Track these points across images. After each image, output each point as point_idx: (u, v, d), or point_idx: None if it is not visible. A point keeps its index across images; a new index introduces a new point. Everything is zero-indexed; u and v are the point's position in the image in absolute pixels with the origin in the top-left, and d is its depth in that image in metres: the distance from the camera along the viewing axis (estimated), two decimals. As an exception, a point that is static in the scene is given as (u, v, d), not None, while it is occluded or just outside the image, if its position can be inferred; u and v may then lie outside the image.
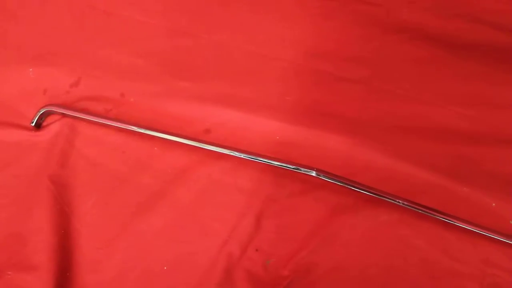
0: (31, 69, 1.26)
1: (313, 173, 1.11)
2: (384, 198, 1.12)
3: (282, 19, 1.13)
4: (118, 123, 1.18)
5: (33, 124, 1.20)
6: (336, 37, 1.14)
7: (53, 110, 1.21)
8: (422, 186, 1.16)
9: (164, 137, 1.17)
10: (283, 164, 1.12)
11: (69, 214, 1.13)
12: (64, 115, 1.21)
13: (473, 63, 1.11)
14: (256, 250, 1.11)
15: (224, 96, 1.21)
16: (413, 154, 1.17)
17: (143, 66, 1.24)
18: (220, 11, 1.15)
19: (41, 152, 1.18)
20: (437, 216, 1.12)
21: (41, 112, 1.20)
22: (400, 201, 1.11)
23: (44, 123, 1.22)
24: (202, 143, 1.16)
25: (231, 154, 1.15)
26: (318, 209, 1.14)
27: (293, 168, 1.12)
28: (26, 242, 1.10)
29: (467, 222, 1.13)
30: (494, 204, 1.15)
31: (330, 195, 1.15)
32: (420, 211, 1.13)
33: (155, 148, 1.18)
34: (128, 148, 1.18)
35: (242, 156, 1.14)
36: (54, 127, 1.21)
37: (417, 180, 1.16)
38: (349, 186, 1.12)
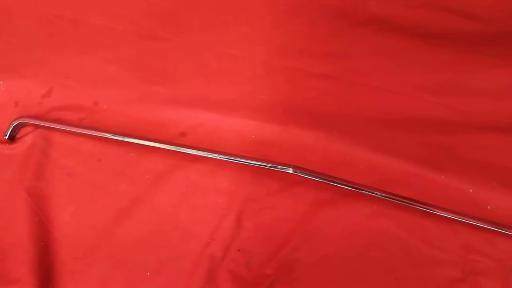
0: (1, 82, 1.25)
1: (290, 170, 1.11)
2: (363, 191, 1.13)
3: (250, 18, 1.13)
4: (93, 131, 1.18)
5: (6, 137, 1.19)
6: (306, 33, 1.14)
7: (26, 122, 1.19)
8: (400, 177, 1.16)
9: (140, 142, 1.16)
10: (260, 163, 1.12)
11: (48, 226, 1.12)
12: (37, 126, 1.20)
13: (443, 52, 1.11)
14: (238, 250, 1.11)
15: (197, 98, 1.20)
16: (389, 146, 1.17)
17: (115, 73, 1.23)
18: (187, 13, 1.14)
19: (16, 164, 1.17)
20: (416, 205, 1.13)
21: (14, 125, 1.19)
22: (378, 193, 1.12)
23: (18, 135, 1.21)
24: (178, 146, 1.15)
25: (208, 156, 1.15)
26: (298, 205, 1.14)
27: (270, 167, 1.12)
28: (6, 256, 1.09)
29: (446, 210, 1.13)
30: (471, 191, 1.16)
31: (308, 191, 1.15)
32: (399, 202, 1.13)
33: (131, 154, 1.18)
34: (104, 156, 1.18)
35: (218, 158, 1.14)
36: (28, 139, 1.20)
37: (394, 171, 1.16)
38: (327, 181, 1.12)
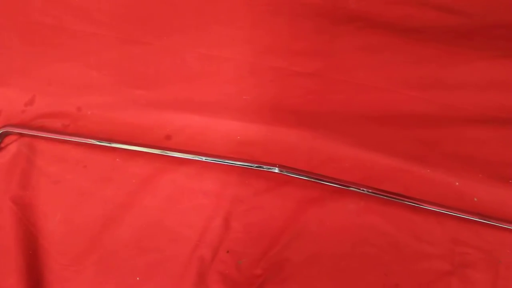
0: (-17, 92, 1.24)
1: (276, 170, 1.11)
2: (349, 188, 1.13)
3: (231, 18, 1.13)
4: (77, 138, 1.17)
5: (-10, 147, 1.18)
6: (287, 32, 1.14)
7: (10, 131, 1.19)
8: (386, 172, 1.16)
9: (125, 147, 1.16)
10: (246, 164, 1.12)
11: (36, 234, 1.11)
12: (21, 134, 1.20)
13: (423, 47, 1.12)
14: (227, 251, 1.11)
15: (181, 100, 1.20)
16: (374, 142, 1.18)
17: (97, 78, 1.22)
18: (168, 16, 1.14)
19: (1, 174, 1.17)
20: (403, 200, 1.13)
21: (-2, 134, 1.18)
22: (365, 189, 1.12)
23: (2, 145, 1.20)
24: (164, 150, 1.15)
25: (194, 158, 1.14)
26: (285, 205, 1.14)
27: (256, 167, 1.11)
28: (-6, 266, 1.08)
29: (433, 203, 1.14)
30: (457, 184, 1.16)
31: (295, 190, 1.15)
32: (386, 197, 1.14)
33: (117, 160, 1.17)
34: (90, 162, 1.17)
35: (204, 160, 1.14)
36: (12, 147, 1.19)
37: (380, 166, 1.17)
38: (313, 180, 1.12)
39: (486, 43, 1.07)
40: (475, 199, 1.15)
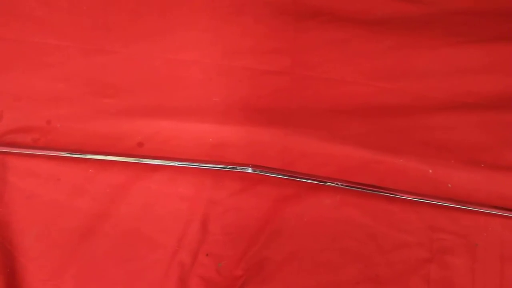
0: (-50, 111, 1.22)
1: (249, 170, 1.11)
2: (324, 183, 1.13)
3: (194, 21, 1.13)
4: (49, 152, 1.16)
5: (-40, 166, 1.16)
6: (252, 32, 1.14)
7: (-20, 149, 1.17)
8: (359, 165, 1.17)
9: (98, 158, 1.15)
10: (219, 166, 1.12)
11: (12, 252, 1.10)
12: (-9, 152, 1.18)
13: (388, 38, 1.12)
14: (207, 255, 1.11)
15: (151, 107, 1.19)
16: (346, 135, 1.18)
17: (65, 90, 1.21)
18: (132, 23, 1.14)
19: (-27, 193, 1.15)
20: (379, 191, 1.14)
21: (-33, 153, 1.16)
22: (339, 183, 1.13)
23: (-27, 164, 1.18)
24: (137, 157, 1.15)
25: (167, 164, 1.14)
26: (261, 204, 1.14)
27: (229, 168, 1.12)
28: (-29, 287, 1.07)
29: (408, 192, 1.15)
30: (431, 171, 1.17)
31: (270, 189, 1.15)
32: (361, 190, 1.14)
33: (90, 170, 1.16)
34: (63, 175, 1.16)
35: (177, 165, 1.13)
36: (-17, 166, 1.17)
37: (354, 159, 1.17)
38: (287, 177, 1.13)
39: (448, 30, 1.08)
40: (449, 185, 1.16)
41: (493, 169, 1.17)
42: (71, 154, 1.15)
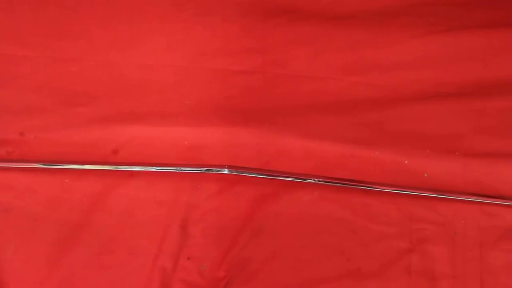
0: None
1: (226, 171, 1.11)
2: (302, 180, 1.13)
3: (162, 26, 1.12)
4: (24, 164, 1.16)
5: None
6: (221, 32, 1.13)
7: (-47, 165, 1.16)
8: (336, 160, 1.18)
9: (73, 167, 1.15)
10: (195, 169, 1.12)
11: (-9, 267, 1.09)
12: (-35, 167, 1.17)
13: (356, 32, 1.13)
14: (188, 258, 1.11)
15: (124, 113, 1.19)
16: (321, 131, 1.18)
17: (36, 101, 1.20)
18: (100, 31, 1.13)
19: None
20: (356, 185, 1.15)
21: None
22: (316, 179, 1.13)
23: None
24: (112, 165, 1.15)
25: (143, 169, 1.14)
26: (240, 204, 1.14)
27: (205, 170, 1.12)
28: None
29: (386, 184, 1.15)
30: (407, 162, 1.18)
31: (248, 188, 1.16)
32: (338, 185, 1.15)
33: (66, 180, 1.16)
34: (39, 187, 1.15)
35: (153, 170, 1.13)
36: (-44, 182, 1.16)
37: (329, 154, 1.17)
38: (264, 176, 1.13)
39: (416, 22, 1.08)
40: (426, 175, 1.17)
41: (468, 157, 1.18)
42: (46, 165, 1.15)
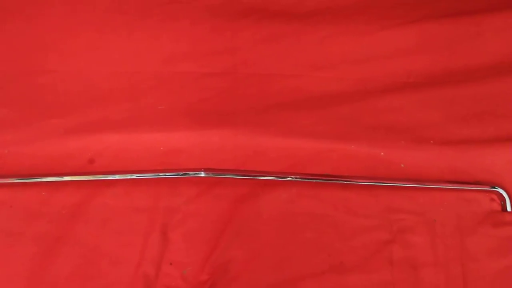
0: None
1: (202, 174, 1.11)
2: (279, 178, 1.14)
3: (130, 33, 1.11)
4: (-2, 179, 1.14)
5: None
6: (189, 36, 1.13)
7: None
8: (312, 156, 1.18)
9: (49, 180, 1.14)
10: (171, 174, 1.12)
11: (-29, 285, 1.08)
12: None
13: (323, 27, 1.13)
14: (170, 263, 1.11)
15: (97, 122, 1.18)
16: (295, 128, 1.19)
17: (8, 115, 1.19)
18: (68, 41, 1.12)
19: None
20: (333, 180, 1.15)
21: None
22: (293, 176, 1.13)
23: None
24: (89, 175, 1.14)
25: (120, 177, 1.13)
26: (219, 206, 1.15)
27: (181, 174, 1.12)
28: None
29: (363, 177, 1.16)
30: (382, 154, 1.19)
31: (226, 190, 1.16)
32: (316, 180, 1.15)
33: (43, 193, 1.15)
34: (15, 201, 1.14)
35: (130, 177, 1.12)
36: None
37: (305, 151, 1.18)
38: (241, 177, 1.13)
39: (382, 14, 1.09)
40: (402, 165, 1.18)
41: (442, 145, 1.19)
42: (21, 179, 1.14)
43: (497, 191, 1.17)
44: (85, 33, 1.12)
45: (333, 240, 1.13)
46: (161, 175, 1.11)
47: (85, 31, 1.12)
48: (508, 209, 1.17)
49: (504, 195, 1.16)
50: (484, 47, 1.12)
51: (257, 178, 1.13)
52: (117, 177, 1.13)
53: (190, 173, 1.11)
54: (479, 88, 1.17)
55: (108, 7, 1.09)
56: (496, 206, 1.18)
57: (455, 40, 1.12)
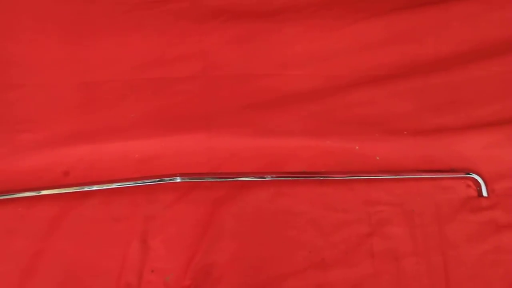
0: None
1: (178, 179, 1.10)
2: (256, 178, 1.14)
3: (97, 42, 1.11)
4: (-28, 198, 1.12)
5: None
6: (158, 42, 1.13)
7: None
8: (287, 154, 1.19)
9: (25, 195, 1.12)
10: (147, 181, 1.11)
11: (-49, 307, 1.07)
12: None
13: (290, 25, 1.14)
14: (152, 271, 1.10)
15: (70, 134, 1.17)
16: (269, 127, 1.19)
17: (-22, 132, 1.18)
18: (34, 54, 1.11)
19: None
20: (310, 177, 1.16)
21: None
22: (270, 176, 1.13)
23: None
24: (65, 187, 1.13)
25: (97, 188, 1.12)
26: (197, 210, 1.14)
27: (157, 181, 1.11)
28: None
29: (339, 172, 1.17)
30: (357, 147, 1.19)
31: (204, 194, 1.16)
32: (293, 178, 1.15)
33: (19, 209, 1.14)
34: (-10, 219, 1.13)
35: (106, 187, 1.11)
36: None
37: (281, 149, 1.18)
38: (218, 179, 1.13)
39: (347, 9, 1.10)
40: (378, 158, 1.19)
41: (415, 135, 1.20)
42: (-4, 196, 1.12)
43: (473, 177, 1.18)
44: (51, 45, 1.12)
45: (313, 237, 1.14)
46: (138, 183, 1.10)
47: (52, 43, 1.11)
48: (484, 194, 1.18)
49: (480, 181, 1.18)
50: (451, 36, 1.13)
51: (233, 179, 1.13)
52: (94, 187, 1.12)
53: (166, 179, 1.10)
54: (449, 76, 1.18)
55: (74, 18, 1.08)
56: (472, 192, 1.19)
57: (422, 31, 1.13)
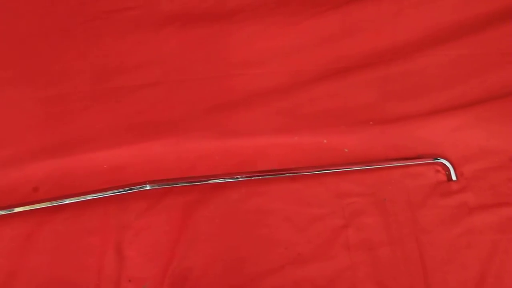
0: None
1: (147, 187, 1.10)
2: (227, 180, 1.14)
3: (56, 55, 1.10)
4: None
5: None
6: (117, 50, 1.12)
7: None
8: (256, 153, 1.20)
9: (-3, 214, 1.11)
10: (117, 191, 1.10)
11: None
12: None
13: (248, 24, 1.12)
14: (129, 280, 1.10)
15: (37, 149, 1.16)
16: (236, 127, 1.20)
17: None
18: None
19: None
20: (281, 174, 1.16)
21: None
22: (241, 176, 1.13)
23: None
24: (35, 204, 1.12)
25: (68, 202, 1.11)
26: (171, 216, 1.14)
27: (127, 190, 1.10)
28: None
29: (309, 167, 1.17)
30: (325, 141, 1.20)
31: (176, 199, 1.16)
32: (264, 177, 1.15)
33: (-9, 228, 1.12)
34: (-40, 242, 1.12)
35: (77, 200, 1.11)
36: None
37: (249, 149, 1.19)
38: (188, 183, 1.13)
39: (303, 4, 1.10)
40: (346, 150, 1.20)
41: (381, 124, 1.21)
42: (-35, 217, 1.11)
43: (441, 162, 1.19)
44: (10, 61, 1.10)
45: (288, 233, 1.14)
46: (108, 193, 1.10)
47: (10, 58, 1.10)
48: (453, 178, 1.19)
49: (448, 165, 1.19)
50: (407, 23, 1.15)
51: (204, 182, 1.13)
52: (66, 201, 1.11)
53: (136, 187, 1.10)
54: (408, 64, 1.19)
55: (30, 31, 1.07)
56: (442, 176, 1.20)
57: (378, 20, 1.14)
